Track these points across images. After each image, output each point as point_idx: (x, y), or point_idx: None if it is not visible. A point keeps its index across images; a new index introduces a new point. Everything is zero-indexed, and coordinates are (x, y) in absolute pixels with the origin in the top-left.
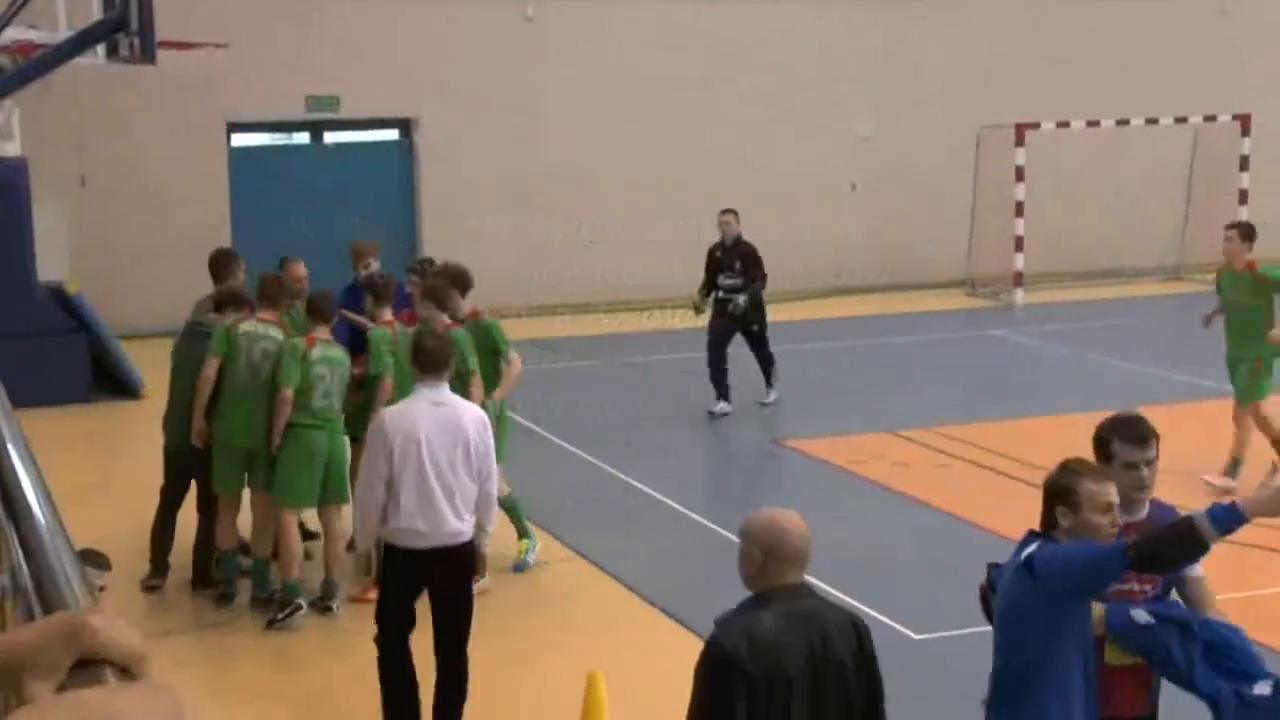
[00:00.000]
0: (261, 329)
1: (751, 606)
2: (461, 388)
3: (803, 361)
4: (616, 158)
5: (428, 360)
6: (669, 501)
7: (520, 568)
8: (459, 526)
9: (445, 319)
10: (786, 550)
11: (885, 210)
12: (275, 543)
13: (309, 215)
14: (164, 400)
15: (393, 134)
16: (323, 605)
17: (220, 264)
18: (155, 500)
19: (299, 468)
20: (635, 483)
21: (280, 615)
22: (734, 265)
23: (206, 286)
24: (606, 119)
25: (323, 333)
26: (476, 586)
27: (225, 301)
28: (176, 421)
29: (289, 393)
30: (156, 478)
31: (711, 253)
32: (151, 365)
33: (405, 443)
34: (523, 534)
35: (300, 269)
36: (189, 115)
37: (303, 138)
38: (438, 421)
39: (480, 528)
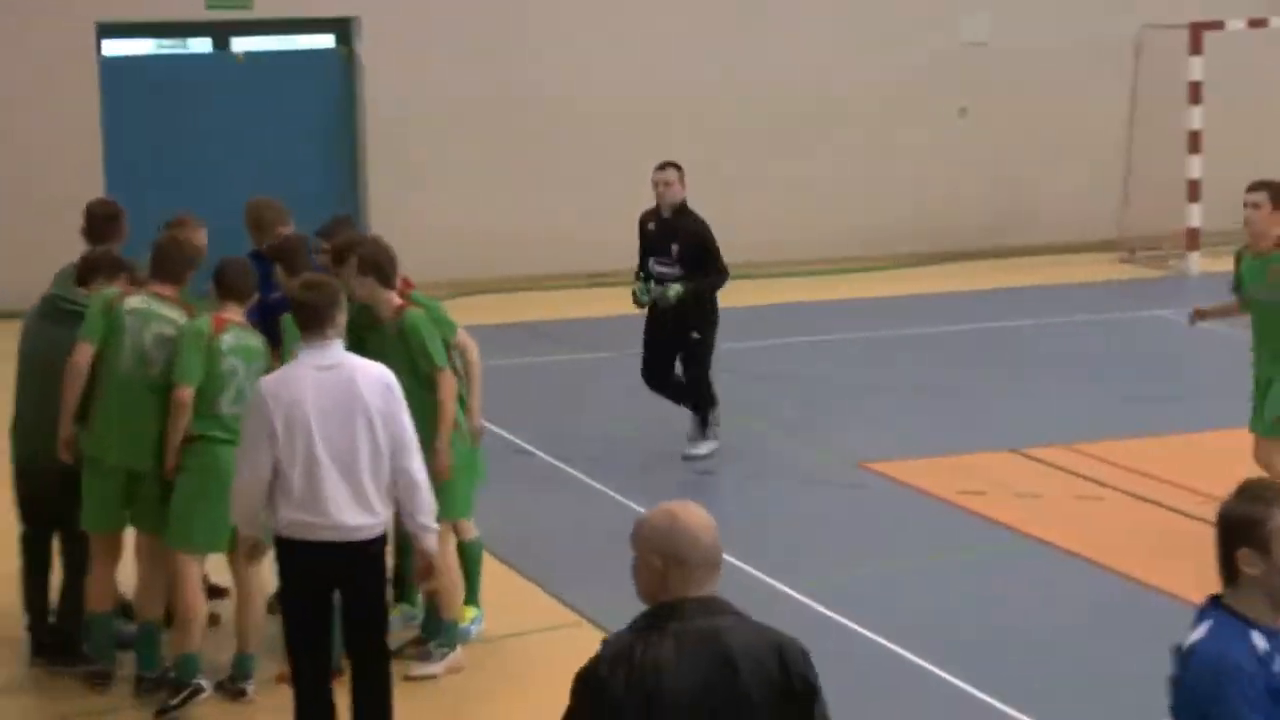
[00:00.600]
0: (157, 307)
1: (645, 625)
2: (425, 394)
3: (886, 354)
4: (622, 79)
5: (309, 314)
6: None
7: (461, 638)
8: (363, 520)
9: (395, 299)
10: (695, 554)
11: (1004, 145)
12: (169, 603)
13: (210, 155)
14: (7, 404)
15: (326, 40)
16: (233, 687)
17: (102, 222)
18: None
19: (201, 498)
20: None
21: (174, 701)
22: (668, 249)
23: (68, 252)
24: (610, 29)
25: (235, 314)
26: (440, 664)
27: (96, 269)
28: (29, 432)
29: (189, 392)
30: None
31: (643, 224)
32: None
33: (289, 418)
34: (470, 597)
35: (199, 234)
36: (42, 13)
37: (202, 45)
38: (327, 389)
39: (410, 518)
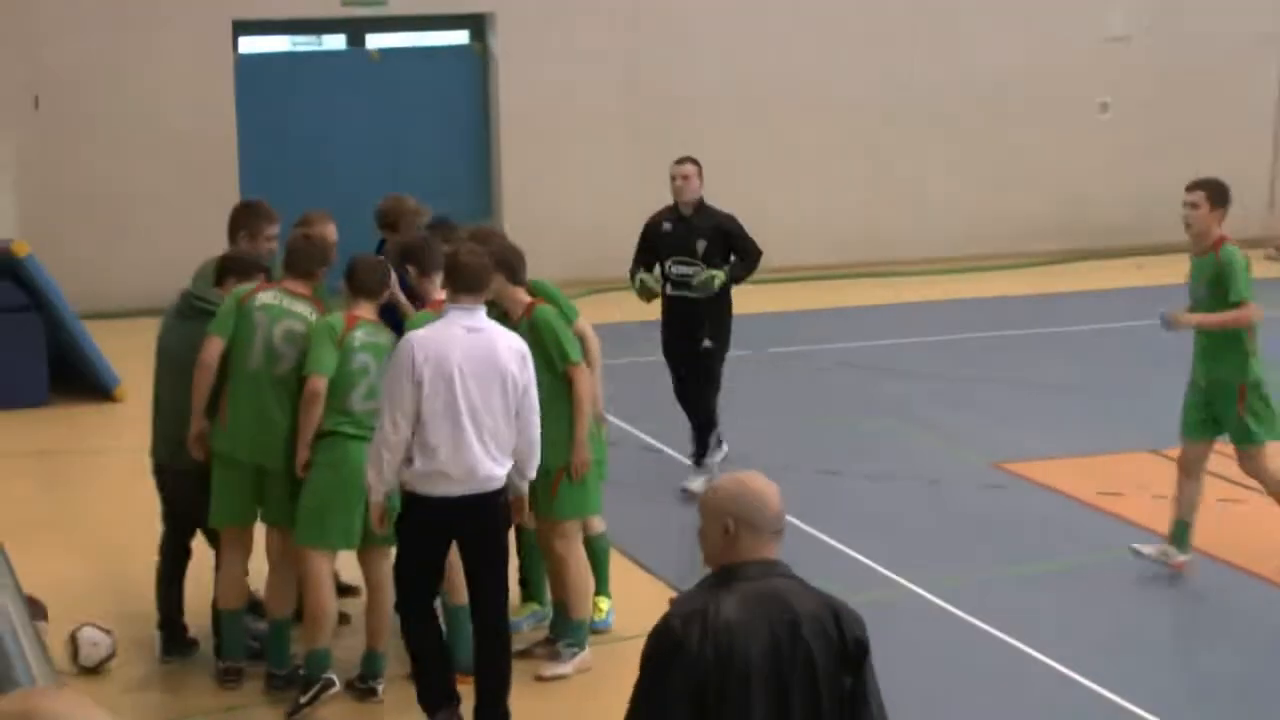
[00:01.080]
0: (288, 303)
1: (714, 584)
2: (559, 390)
3: (1023, 352)
4: (754, 75)
5: (464, 277)
6: (848, 551)
7: (601, 626)
8: (495, 470)
9: (524, 295)
10: (764, 518)
11: (1146, 142)
12: (299, 600)
13: (344, 150)
14: (147, 403)
15: (460, 36)
16: (363, 686)
17: (244, 221)
18: (133, 543)
19: (333, 494)
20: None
21: (305, 698)
22: (692, 246)
23: (205, 250)
24: (742, 26)
25: (367, 311)
26: (570, 663)
27: (230, 268)
28: (167, 431)
29: (321, 382)
30: (136, 510)
31: (655, 225)
32: (130, 355)
33: (435, 373)
34: (601, 588)
35: (330, 230)
36: (182, 12)
37: (337, 42)
38: (472, 351)
39: (521, 474)
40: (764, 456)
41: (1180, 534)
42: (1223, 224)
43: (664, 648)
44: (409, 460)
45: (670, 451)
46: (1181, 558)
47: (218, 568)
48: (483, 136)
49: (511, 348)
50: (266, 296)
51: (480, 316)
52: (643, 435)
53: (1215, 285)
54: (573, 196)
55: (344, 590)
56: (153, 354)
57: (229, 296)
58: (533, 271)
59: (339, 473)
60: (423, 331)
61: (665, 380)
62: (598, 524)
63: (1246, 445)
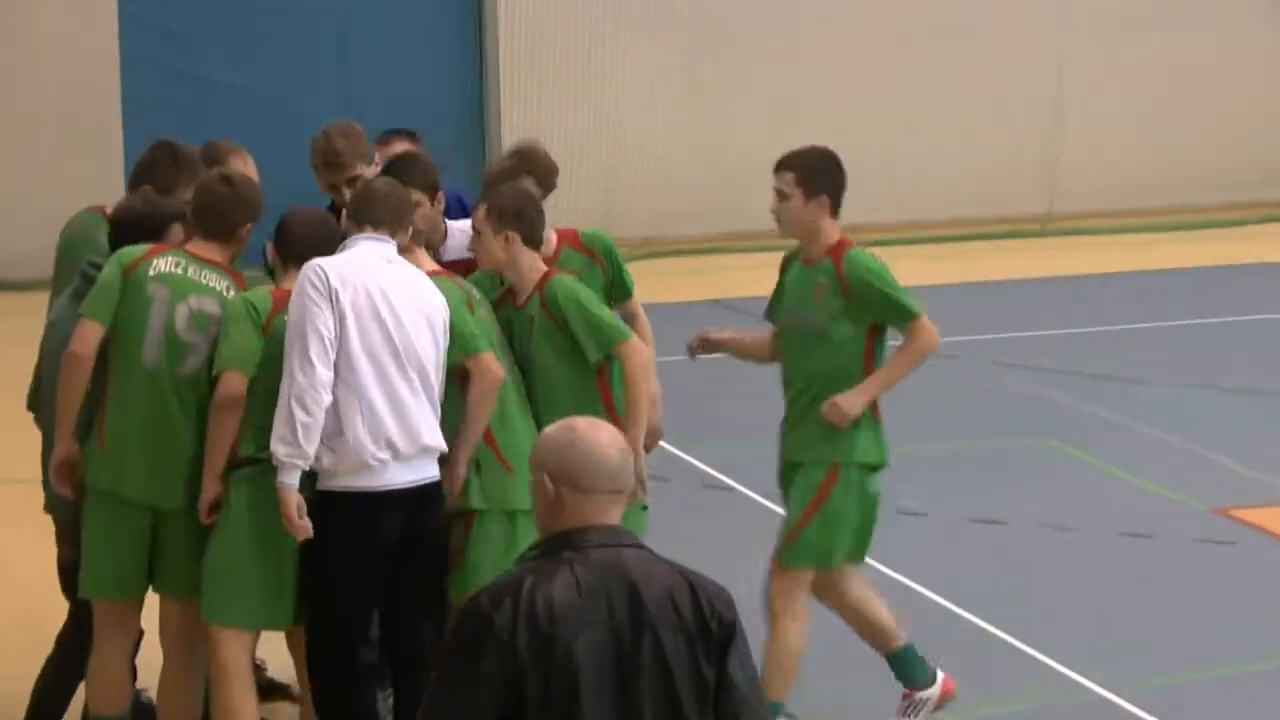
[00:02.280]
0: (196, 273)
1: (536, 557)
2: (592, 388)
3: (1242, 347)
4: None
5: (375, 207)
6: (1014, 642)
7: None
8: (441, 444)
9: (539, 264)
10: (589, 475)
11: None
12: (206, 698)
13: (268, 63)
14: (13, 417)
15: None
16: None
17: (158, 173)
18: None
19: (254, 548)
20: (946, 603)
21: None
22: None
23: (76, 200)
24: None
25: None
26: None
27: (127, 232)
28: (48, 457)
29: (239, 384)
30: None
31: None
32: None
33: (360, 304)
34: None
35: (249, 167)
36: None
37: None
38: (397, 283)
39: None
40: (900, 497)
41: None
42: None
43: (470, 629)
44: (325, 440)
45: (743, 489)
46: None
47: (90, 658)
48: (469, 41)
49: (436, 294)
50: (165, 263)
51: (394, 251)
52: (701, 465)
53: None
54: (586, 125)
55: (270, 689)
56: (25, 348)
57: (110, 263)
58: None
59: (262, 518)
60: (329, 259)
61: (734, 387)
62: None
63: None
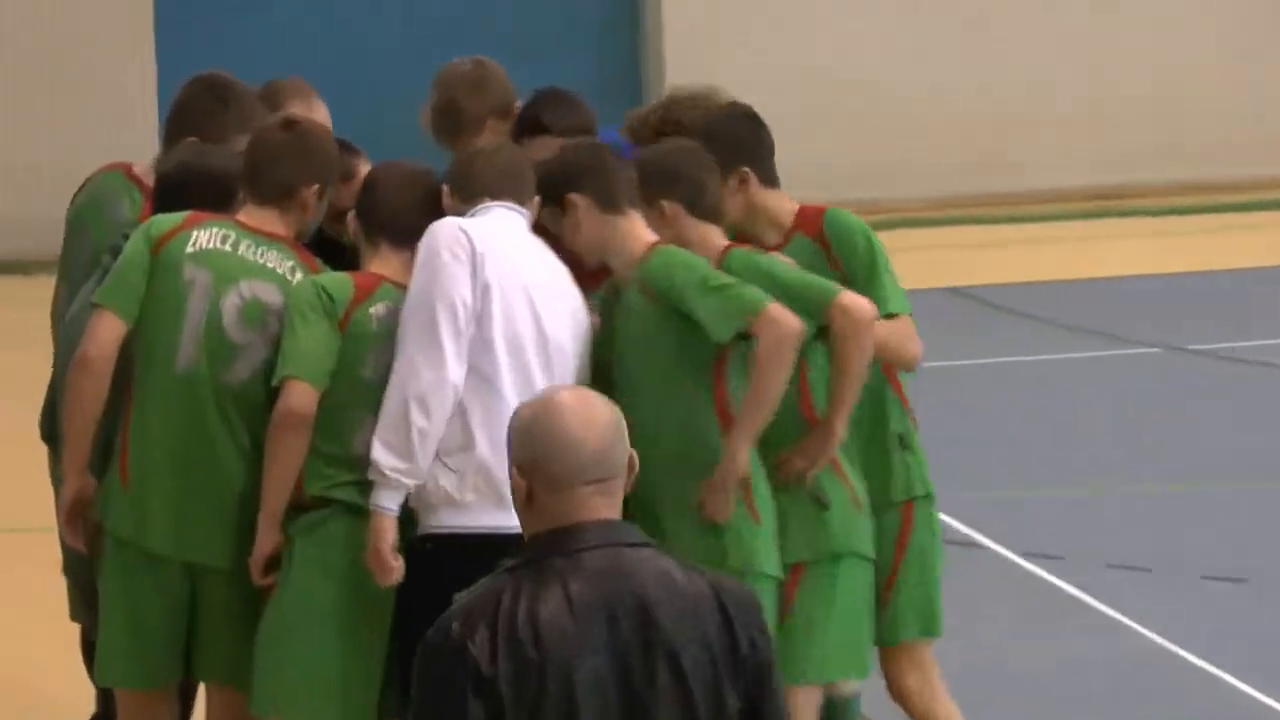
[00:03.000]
0: (249, 249)
1: (516, 566)
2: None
3: None
4: None
5: (507, 173)
6: None
7: None
8: None
9: (643, 233)
10: (564, 463)
11: None
12: None
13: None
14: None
15: None
16: None
17: (208, 108)
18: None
19: (328, 618)
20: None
21: None
22: None
23: (85, 159)
24: None
25: (398, 267)
26: None
27: (175, 194)
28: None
29: (307, 397)
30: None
31: None
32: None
33: (506, 281)
34: None
35: (319, 112)
36: None
37: None
38: (540, 262)
39: None
40: (1158, 545)
41: None
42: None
43: (440, 665)
44: (439, 460)
45: (1003, 550)
46: None
47: None
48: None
49: (577, 291)
50: (208, 237)
51: (527, 227)
52: (954, 523)
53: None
54: (771, 62)
55: None
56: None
57: (135, 236)
58: None
59: (335, 577)
60: (471, 222)
61: (986, 410)
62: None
63: None
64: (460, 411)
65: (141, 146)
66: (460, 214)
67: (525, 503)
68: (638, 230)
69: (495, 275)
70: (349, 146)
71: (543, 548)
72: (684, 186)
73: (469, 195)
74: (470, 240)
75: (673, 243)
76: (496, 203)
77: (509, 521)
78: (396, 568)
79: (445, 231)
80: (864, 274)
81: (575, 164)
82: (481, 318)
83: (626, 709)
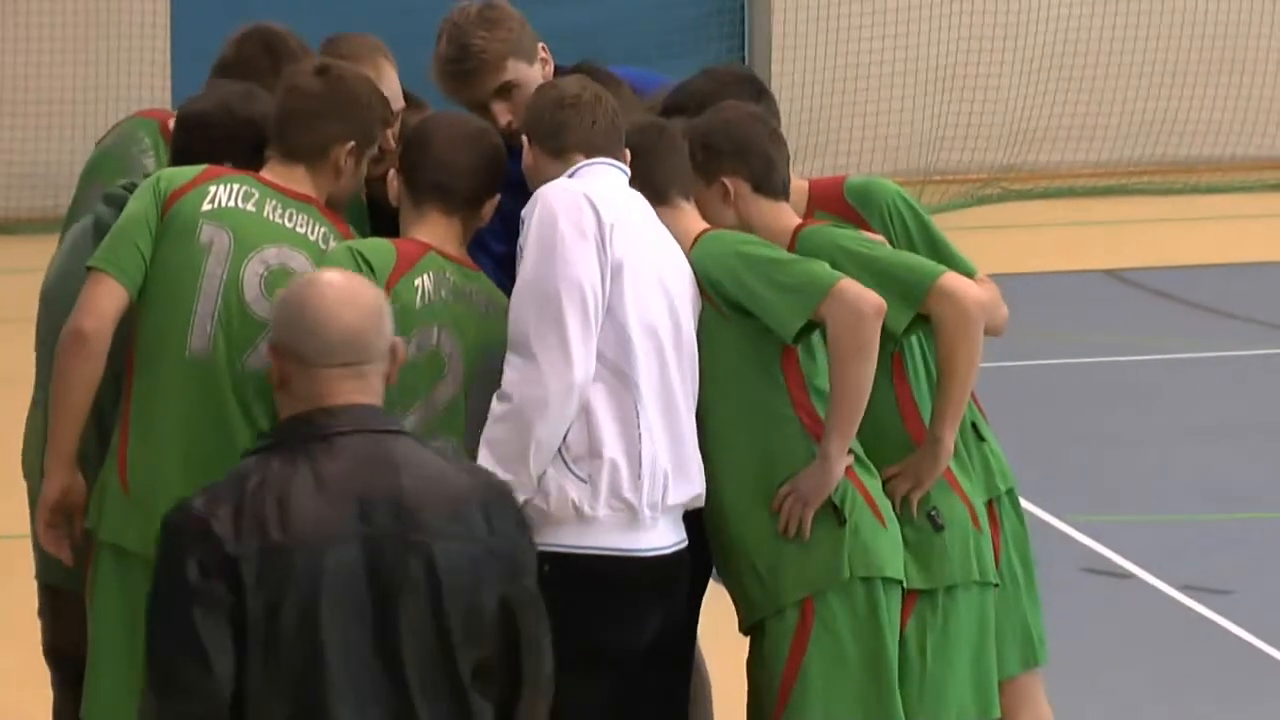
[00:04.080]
0: (274, 210)
1: (269, 447)
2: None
3: None
4: None
5: (602, 124)
6: None
7: None
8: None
9: (693, 219)
10: (313, 343)
11: None
12: None
13: None
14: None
15: None
16: None
17: (260, 66)
18: None
19: None
20: None
21: None
22: None
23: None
24: None
25: (447, 235)
26: None
27: (221, 129)
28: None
29: None
30: None
31: None
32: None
33: (638, 258)
34: None
35: (384, 71)
36: None
37: None
38: (667, 252)
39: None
40: None
41: None
42: None
43: (182, 542)
44: (565, 466)
45: (1148, 577)
46: None
47: None
48: None
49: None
50: (227, 194)
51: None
52: (1083, 539)
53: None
54: (887, 57)
55: None
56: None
57: (142, 189)
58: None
59: None
60: (582, 182)
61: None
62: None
63: None
64: (586, 410)
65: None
66: (552, 175)
67: (279, 384)
68: (686, 222)
69: (626, 250)
70: (416, 101)
71: (294, 430)
72: (750, 161)
73: (559, 150)
74: (596, 210)
75: (735, 226)
76: (598, 159)
77: (643, 543)
78: None
79: (564, 200)
80: (921, 241)
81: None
82: (613, 301)
83: (373, 599)
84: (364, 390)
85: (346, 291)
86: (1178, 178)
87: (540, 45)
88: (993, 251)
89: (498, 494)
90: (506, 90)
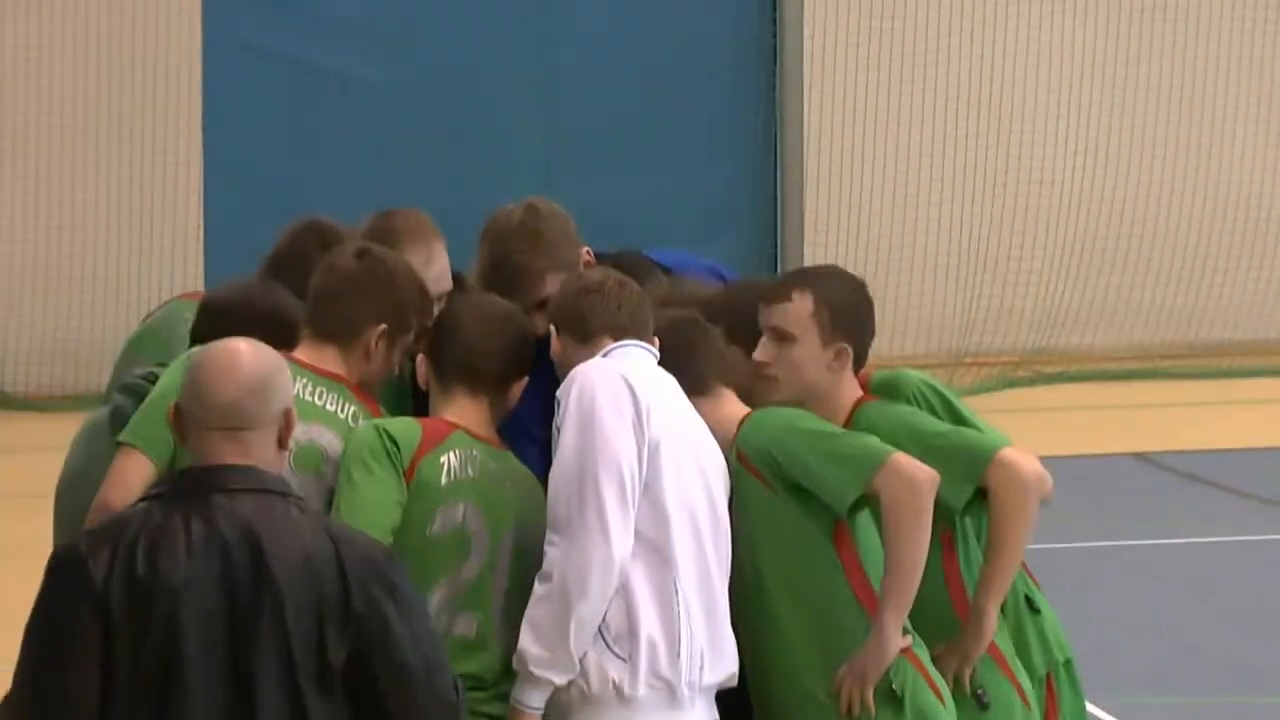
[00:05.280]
0: (305, 389)
1: (149, 497)
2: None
3: None
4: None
5: (627, 307)
6: None
7: None
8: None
9: (855, 389)
10: (198, 407)
11: None
12: None
13: (480, 127)
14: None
15: None
16: None
17: (311, 258)
18: None
19: None
20: None
21: None
22: None
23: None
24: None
25: (473, 414)
26: None
27: (246, 316)
28: None
29: None
30: None
31: None
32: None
33: (674, 438)
34: None
35: (434, 253)
36: None
37: None
38: (696, 420)
39: None
40: None
41: None
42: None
43: (62, 580)
44: (606, 645)
45: None
46: None
47: None
48: (765, 125)
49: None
50: None
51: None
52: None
53: None
54: (920, 240)
55: None
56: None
57: (174, 365)
58: None
59: None
60: (620, 362)
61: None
62: None
63: None
64: (625, 588)
65: None
66: (580, 361)
67: (180, 439)
68: (729, 408)
69: (662, 430)
70: (464, 283)
71: (179, 483)
72: (864, 334)
73: (586, 335)
74: (632, 389)
75: (824, 394)
76: (627, 341)
77: None
78: None
79: (602, 378)
80: (950, 422)
81: (661, 345)
82: (650, 479)
83: (230, 643)
84: (243, 453)
85: (228, 362)
86: (1209, 361)
87: (584, 250)
88: (1024, 434)
89: (356, 553)
90: (546, 304)
